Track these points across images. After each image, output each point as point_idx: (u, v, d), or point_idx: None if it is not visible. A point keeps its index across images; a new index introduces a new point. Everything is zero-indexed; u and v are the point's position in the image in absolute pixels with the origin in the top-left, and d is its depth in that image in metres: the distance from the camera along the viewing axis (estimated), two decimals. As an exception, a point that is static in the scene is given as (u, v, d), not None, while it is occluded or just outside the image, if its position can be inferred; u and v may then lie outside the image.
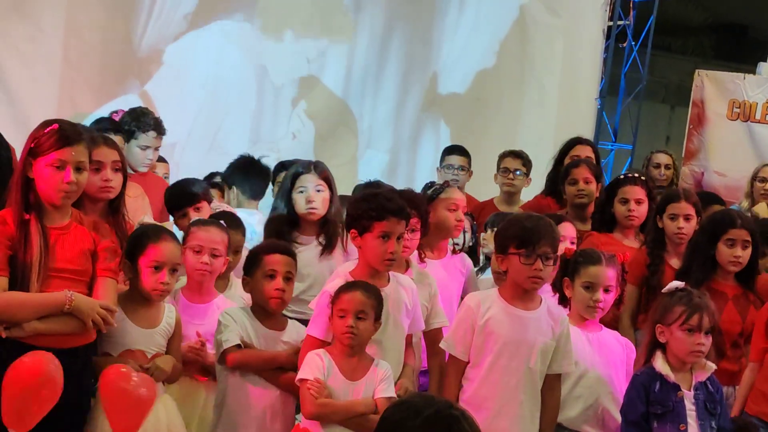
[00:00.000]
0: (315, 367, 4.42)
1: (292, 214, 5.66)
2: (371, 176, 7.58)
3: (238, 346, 4.62)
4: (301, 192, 5.64)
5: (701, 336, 4.63)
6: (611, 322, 5.21)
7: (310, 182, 5.66)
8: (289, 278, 4.76)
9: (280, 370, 4.67)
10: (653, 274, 5.81)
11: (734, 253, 5.52)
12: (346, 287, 4.51)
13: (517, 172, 7.58)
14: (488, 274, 5.91)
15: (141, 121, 6.70)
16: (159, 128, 6.73)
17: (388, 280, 4.78)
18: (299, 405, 4.51)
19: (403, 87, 10.05)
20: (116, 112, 6.64)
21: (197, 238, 4.92)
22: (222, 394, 4.69)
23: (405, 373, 4.81)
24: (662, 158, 8.86)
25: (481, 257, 6.24)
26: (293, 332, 4.77)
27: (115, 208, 4.91)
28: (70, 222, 4.32)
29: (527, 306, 4.61)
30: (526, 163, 7.66)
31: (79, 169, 4.25)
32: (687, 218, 5.91)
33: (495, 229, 5.42)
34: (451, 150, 8.08)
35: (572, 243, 5.58)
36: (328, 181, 5.72)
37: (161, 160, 7.41)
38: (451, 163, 7.88)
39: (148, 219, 5.22)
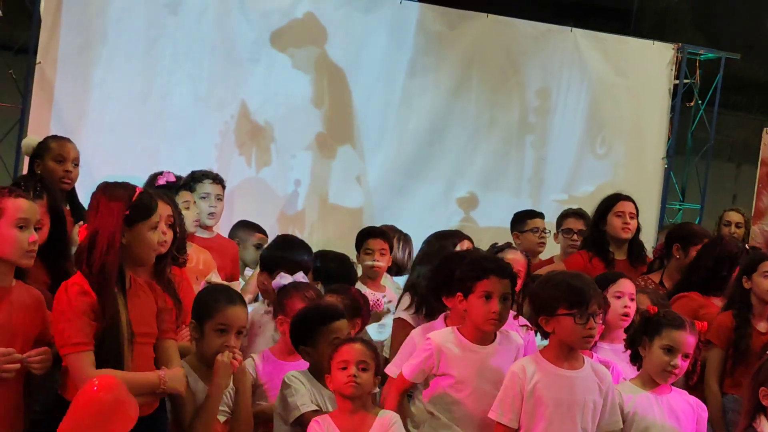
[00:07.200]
0: None
1: None
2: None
3: (315, 411, 4.58)
4: None
5: None
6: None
7: None
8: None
9: None
10: (741, 339, 5.72)
11: None
12: (346, 340, 4.55)
13: (581, 233, 7.53)
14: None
15: (195, 174, 6.80)
16: (215, 177, 6.83)
17: (494, 339, 4.78)
18: None
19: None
20: (161, 174, 6.70)
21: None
22: None
23: None
24: (734, 216, 8.80)
25: None
26: None
27: (160, 270, 4.86)
28: (130, 284, 4.31)
29: (573, 366, 4.55)
30: (589, 222, 7.61)
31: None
32: None
33: None
34: (534, 214, 8.08)
35: (632, 299, 5.47)
36: None
37: None
38: (537, 227, 7.88)
39: (216, 278, 5.19)
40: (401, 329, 5.44)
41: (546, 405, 4.47)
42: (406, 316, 5.48)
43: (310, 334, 4.78)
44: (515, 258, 5.60)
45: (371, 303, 5.40)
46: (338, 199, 9.62)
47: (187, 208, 6.18)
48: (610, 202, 7.08)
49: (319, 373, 4.70)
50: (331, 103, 9.56)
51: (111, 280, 4.15)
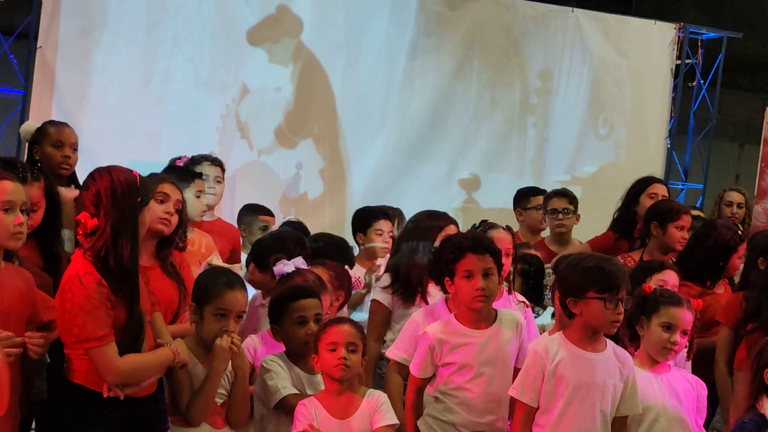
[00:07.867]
0: (303, 417, 4.41)
1: None
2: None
3: (297, 395, 4.58)
4: None
5: None
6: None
7: None
8: (318, 320, 4.71)
9: None
10: (749, 319, 5.63)
11: None
12: (334, 321, 4.56)
13: (566, 211, 7.53)
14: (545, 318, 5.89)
15: (195, 157, 6.83)
16: (213, 159, 6.85)
17: (494, 320, 4.78)
18: None
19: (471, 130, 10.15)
20: (179, 158, 6.70)
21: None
22: None
23: None
24: (734, 196, 8.74)
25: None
26: None
27: (165, 255, 4.84)
28: None
29: (595, 348, 4.53)
30: (573, 200, 7.61)
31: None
32: None
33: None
34: (538, 191, 8.04)
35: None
36: None
37: None
38: (540, 204, 7.82)
39: (217, 261, 5.18)
40: (375, 311, 5.52)
41: (566, 385, 4.46)
42: (382, 297, 5.50)
43: (279, 311, 4.76)
44: (501, 236, 5.53)
45: (352, 281, 5.42)
46: (337, 183, 9.63)
47: (199, 197, 6.18)
48: (643, 184, 7.07)
49: (293, 355, 4.69)
50: (328, 86, 9.54)
51: (136, 272, 4.15)
